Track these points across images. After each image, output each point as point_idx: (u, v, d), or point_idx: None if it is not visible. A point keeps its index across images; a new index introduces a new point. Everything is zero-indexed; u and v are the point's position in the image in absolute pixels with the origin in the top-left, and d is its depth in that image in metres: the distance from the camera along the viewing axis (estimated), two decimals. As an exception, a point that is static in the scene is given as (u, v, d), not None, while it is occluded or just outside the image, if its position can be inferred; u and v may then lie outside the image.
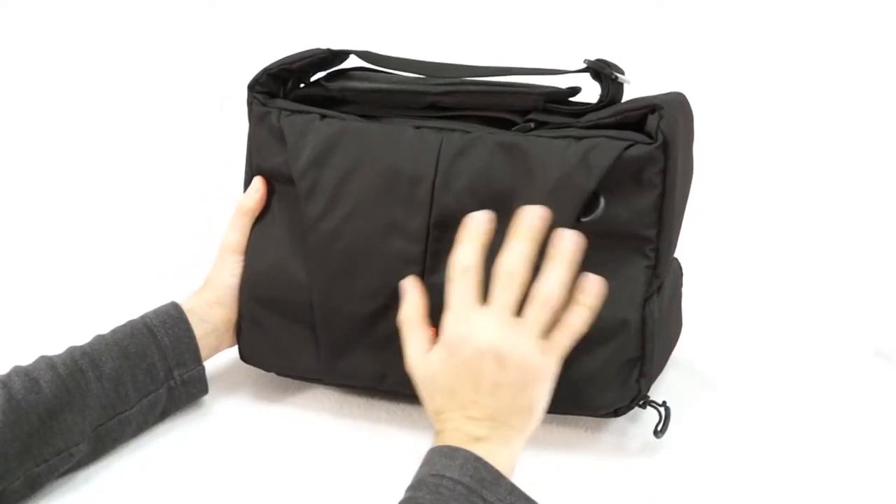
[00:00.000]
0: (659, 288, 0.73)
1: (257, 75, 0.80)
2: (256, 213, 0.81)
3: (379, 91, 0.77)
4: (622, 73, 0.73)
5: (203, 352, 0.78)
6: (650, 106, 0.69)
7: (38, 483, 0.68)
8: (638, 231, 0.70)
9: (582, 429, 0.77)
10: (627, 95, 0.74)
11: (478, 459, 0.60)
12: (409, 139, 0.73)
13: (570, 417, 0.77)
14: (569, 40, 1.55)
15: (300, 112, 0.78)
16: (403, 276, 0.72)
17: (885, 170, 1.23)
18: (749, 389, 0.83)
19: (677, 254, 0.81)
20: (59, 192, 1.26)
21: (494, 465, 0.61)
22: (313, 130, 0.76)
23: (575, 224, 0.68)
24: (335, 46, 0.81)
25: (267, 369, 0.83)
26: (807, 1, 1.46)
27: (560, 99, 0.74)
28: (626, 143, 0.68)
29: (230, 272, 0.80)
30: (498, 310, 0.64)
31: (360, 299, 0.75)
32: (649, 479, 0.72)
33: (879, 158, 1.26)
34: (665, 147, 0.68)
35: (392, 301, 0.72)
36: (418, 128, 0.74)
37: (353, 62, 0.82)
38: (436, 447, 0.62)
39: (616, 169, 0.68)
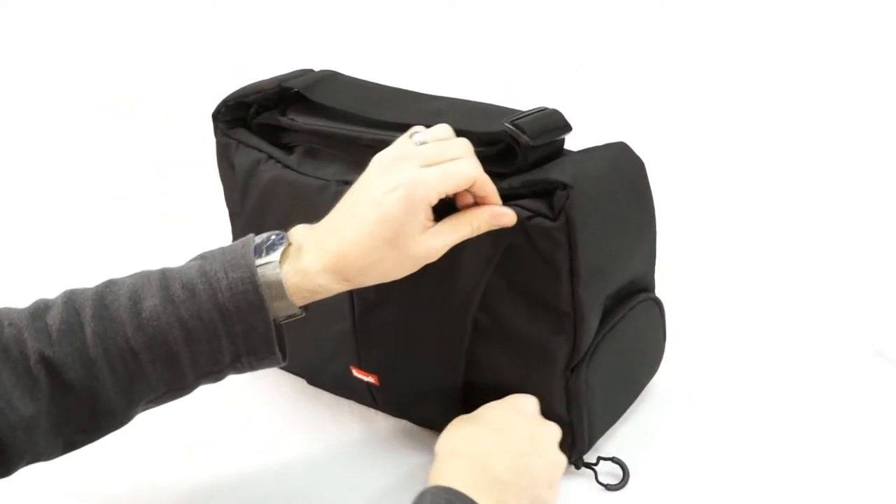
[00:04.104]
0: (591, 354, 0.70)
1: (218, 106, 0.81)
2: None
3: (317, 133, 0.76)
4: (561, 129, 0.69)
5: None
6: (559, 184, 0.65)
7: (74, 445, 0.63)
8: (556, 306, 0.67)
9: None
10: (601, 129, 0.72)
11: (448, 490, 0.58)
12: (330, 198, 0.70)
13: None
14: (569, 40, 1.55)
15: (252, 147, 0.79)
16: (339, 328, 0.74)
17: (885, 170, 1.23)
18: (748, 389, 0.83)
19: (666, 274, 0.80)
20: (51, 188, 1.26)
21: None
22: (258, 173, 0.77)
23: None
24: (317, 56, 0.81)
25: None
26: (806, 1, 1.47)
27: (486, 155, 0.68)
28: (526, 214, 0.65)
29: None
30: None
31: (312, 345, 0.78)
32: (659, 468, 0.73)
33: (879, 158, 1.26)
34: (569, 228, 0.65)
35: (334, 351, 0.76)
36: (345, 182, 0.71)
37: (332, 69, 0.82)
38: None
39: (522, 241, 0.66)
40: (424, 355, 0.71)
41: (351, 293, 0.72)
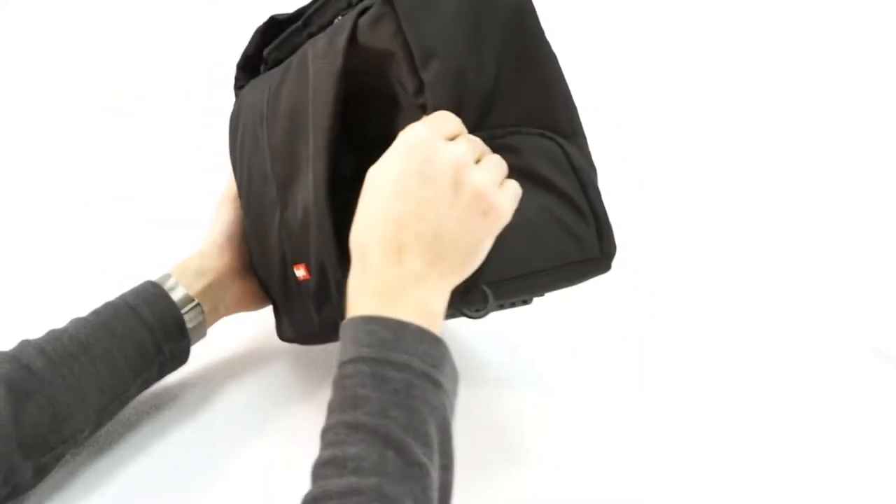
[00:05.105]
0: None
1: (235, 74, 0.84)
2: None
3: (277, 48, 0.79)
4: None
5: (207, 307, 0.78)
6: None
7: (45, 471, 0.67)
8: (414, 99, 0.63)
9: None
10: None
11: (367, 321, 0.52)
12: (262, 88, 0.76)
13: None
14: (569, 39, 1.55)
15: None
16: (279, 222, 0.74)
17: (884, 168, 1.23)
18: (747, 388, 0.83)
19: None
20: (51, 188, 1.26)
21: (430, 307, 0.54)
22: (235, 109, 0.82)
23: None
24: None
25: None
26: (806, 1, 1.46)
27: None
28: (356, 13, 0.64)
29: (221, 220, 0.82)
30: (465, 144, 0.58)
31: (271, 258, 0.77)
32: (640, 464, 0.73)
33: (878, 157, 1.26)
34: (391, 4, 0.61)
35: (279, 251, 0.75)
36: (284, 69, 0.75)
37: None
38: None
39: (366, 47, 0.64)
40: (316, 229, 0.68)
41: (267, 148, 0.73)
